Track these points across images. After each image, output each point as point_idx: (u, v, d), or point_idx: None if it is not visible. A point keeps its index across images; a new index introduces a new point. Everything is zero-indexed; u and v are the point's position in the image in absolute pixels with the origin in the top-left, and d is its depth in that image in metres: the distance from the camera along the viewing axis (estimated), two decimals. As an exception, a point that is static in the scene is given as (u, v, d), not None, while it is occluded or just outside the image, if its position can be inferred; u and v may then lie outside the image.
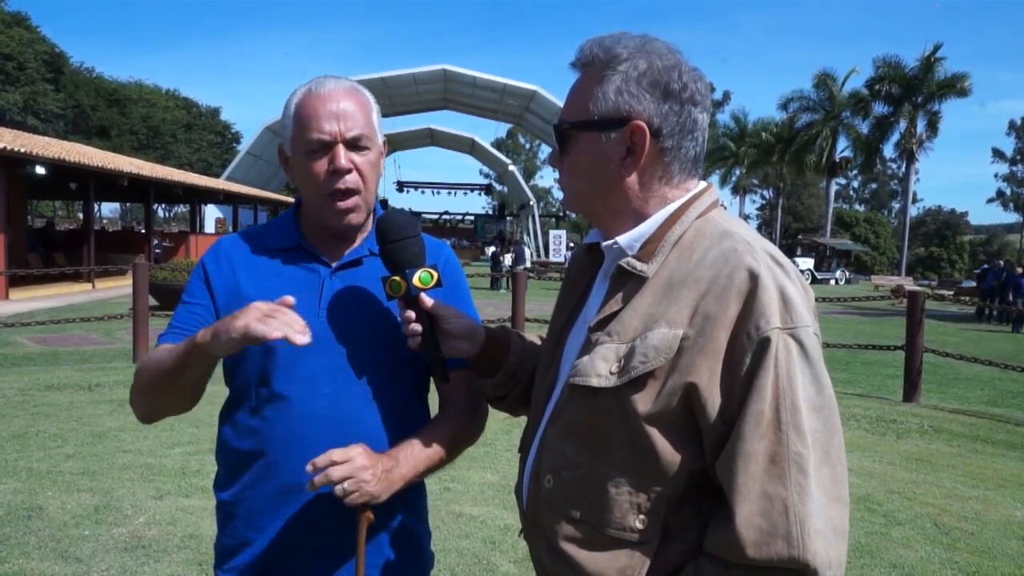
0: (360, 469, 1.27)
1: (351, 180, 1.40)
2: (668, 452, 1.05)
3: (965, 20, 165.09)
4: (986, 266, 24.67)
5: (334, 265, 1.47)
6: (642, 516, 1.07)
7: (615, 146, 1.13)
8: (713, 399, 1.02)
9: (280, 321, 1.20)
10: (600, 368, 1.08)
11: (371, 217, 1.51)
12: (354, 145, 1.41)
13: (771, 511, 0.97)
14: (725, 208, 1.23)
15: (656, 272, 1.11)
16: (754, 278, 1.03)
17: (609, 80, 1.12)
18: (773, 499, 0.97)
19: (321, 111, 1.39)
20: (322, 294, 1.44)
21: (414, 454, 1.39)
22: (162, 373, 1.36)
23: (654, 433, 1.05)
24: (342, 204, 1.41)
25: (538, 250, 43.71)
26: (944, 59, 39.40)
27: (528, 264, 27.88)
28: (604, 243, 1.19)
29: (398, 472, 1.34)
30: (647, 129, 1.11)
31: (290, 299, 1.26)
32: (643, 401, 1.05)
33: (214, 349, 1.25)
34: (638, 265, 1.12)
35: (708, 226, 1.13)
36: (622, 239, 1.15)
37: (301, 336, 1.20)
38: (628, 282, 1.13)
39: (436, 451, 1.42)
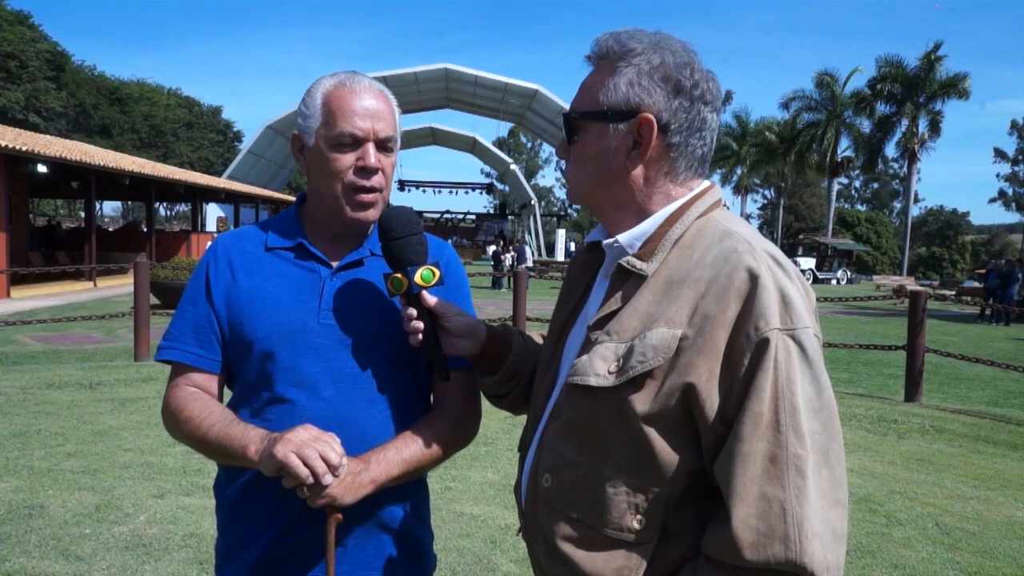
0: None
1: (377, 180, 1.42)
2: (666, 453, 1.05)
3: (966, 18, 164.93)
4: (989, 266, 24.62)
5: (335, 265, 1.46)
6: (640, 516, 1.07)
7: (622, 138, 1.13)
8: (711, 400, 1.02)
9: (308, 454, 1.23)
10: (599, 367, 1.08)
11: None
12: (383, 146, 1.42)
13: (769, 513, 0.96)
14: (728, 208, 1.23)
15: (656, 271, 1.11)
16: (754, 278, 1.02)
17: (621, 72, 1.12)
18: (771, 501, 0.96)
19: (355, 106, 1.39)
20: (322, 295, 1.43)
21: (387, 458, 1.35)
22: (204, 446, 1.40)
23: (652, 433, 1.04)
24: (364, 198, 1.41)
25: (539, 249, 43.70)
26: (945, 58, 39.42)
27: (530, 263, 27.85)
28: (605, 241, 1.19)
29: (367, 475, 1.32)
30: (655, 123, 1.11)
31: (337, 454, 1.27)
32: (641, 401, 1.04)
33: (261, 467, 1.29)
34: (638, 264, 1.12)
35: (709, 225, 1.13)
36: (623, 237, 1.15)
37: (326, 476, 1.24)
38: (628, 281, 1.13)
39: (415, 455, 1.39)
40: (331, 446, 1.25)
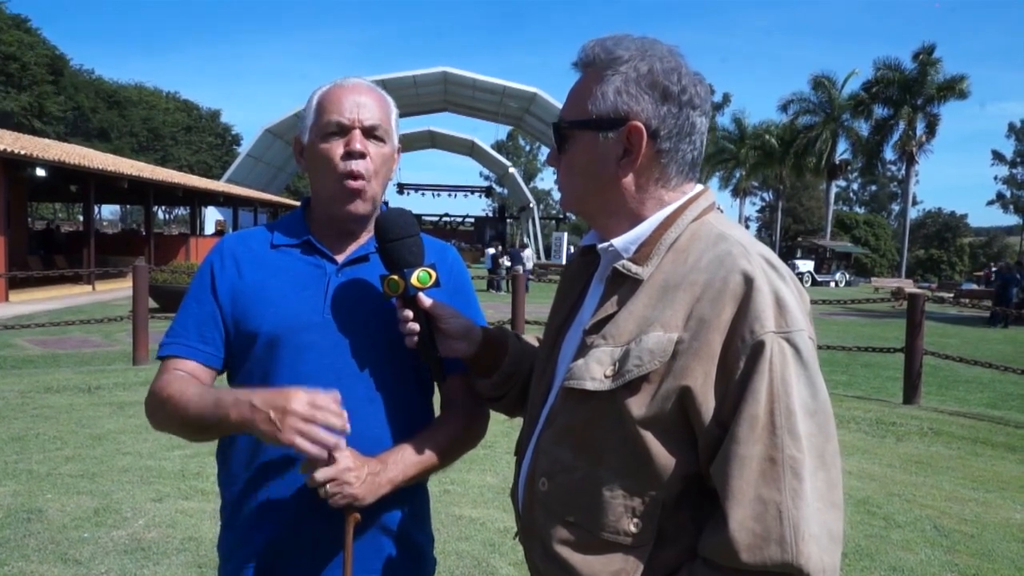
0: (344, 471, 1.27)
1: (363, 165, 1.42)
2: (662, 456, 1.05)
3: (966, 20, 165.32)
4: (994, 268, 24.62)
5: (340, 261, 1.47)
6: (636, 520, 1.07)
7: (612, 146, 1.13)
8: (707, 403, 1.02)
9: (316, 433, 1.22)
10: (595, 371, 1.08)
11: (377, 213, 1.51)
12: (370, 133, 1.44)
13: (765, 515, 0.97)
14: (721, 211, 1.23)
15: (651, 275, 1.11)
16: (749, 281, 1.03)
17: (609, 80, 1.12)
18: (767, 503, 0.97)
19: (343, 98, 1.43)
20: (328, 290, 1.44)
21: (404, 458, 1.38)
22: (184, 423, 1.37)
23: (648, 437, 1.05)
24: (351, 185, 1.42)
25: (538, 252, 43.70)
26: (939, 60, 39.50)
27: (530, 266, 27.79)
28: (600, 245, 1.19)
29: (385, 476, 1.34)
30: (644, 130, 1.11)
31: (337, 397, 1.26)
32: (637, 405, 1.05)
33: (251, 432, 1.28)
34: (633, 268, 1.12)
35: (703, 229, 1.13)
36: (618, 242, 1.15)
37: (338, 441, 1.23)
38: (623, 285, 1.13)
39: (430, 455, 1.41)
40: (330, 410, 1.23)
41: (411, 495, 1.49)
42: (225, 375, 1.52)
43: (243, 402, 1.26)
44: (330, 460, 1.25)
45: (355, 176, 1.41)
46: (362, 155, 1.41)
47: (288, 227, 1.51)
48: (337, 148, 1.41)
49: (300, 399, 1.22)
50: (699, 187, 1.20)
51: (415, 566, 1.52)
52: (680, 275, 1.08)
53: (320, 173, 1.43)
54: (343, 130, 1.41)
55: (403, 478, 1.37)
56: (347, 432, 1.24)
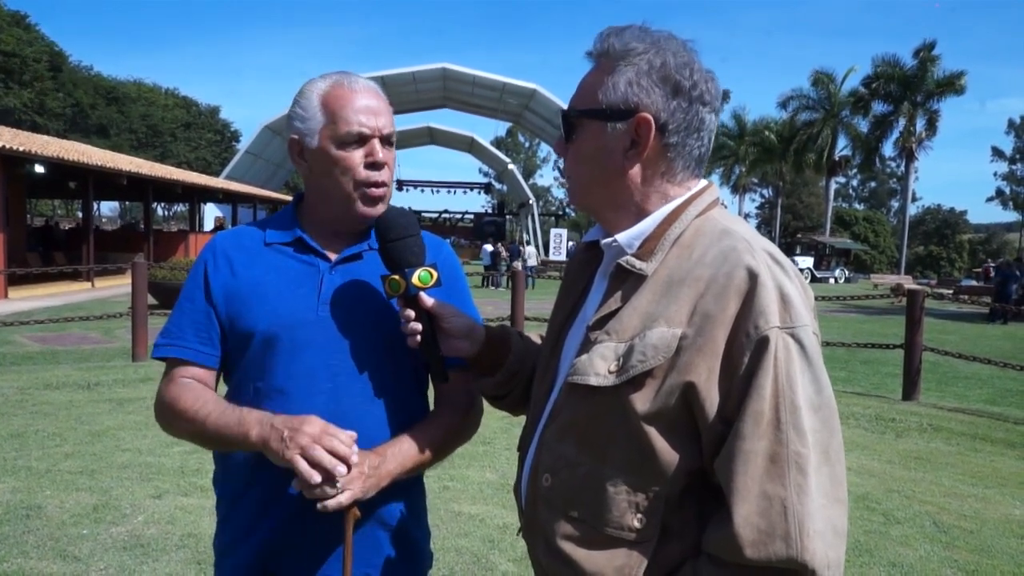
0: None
1: (385, 175, 1.45)
2: (666, 451, 1.05)
3: (965, 17, 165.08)
4: (993, 264, 24.61)
5: (334, 259, 1.47)
6: (640, 515, 1.07)
7: (620, 137, 1.13)
8: (712, 398, 1.02)
9: (318, 454, 1.24)
10: (599, 367, 1.08)
11: None
12: (387, 142, 1.45)
13: (770, 511, 0.96)
14: (725, 207, 1.23)
15: (655, 270, 1.11)
16: (753, 277, 1.02)
17: (621, 71, 1.12)
18: (772, 499, 0.97)
19: (359, 104, 1.42)
20: (321, 288, 1.44)
21: (402, 451, 1.38)
22: (202, 436, 1.39)
23: (652, 432, 1.05)
24: (374, 192, 1.43)
25: (538, 248, 43.69)
26: (939, 57, 39.51)
27: (533, 262, 27.69)
28: (604, 241, 1.19)
29: (385, 469, 1.34)
30: (653, 122, 1.11)
31: (353, 435, 1.30)
32: (642, 400, 1.04)
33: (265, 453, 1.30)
34: (637, 263, 1.12)
35: (708, 224, 1.13)
36: (621, 237, 1.15)
37: (333, 491, 1.25)
38: (627, 280, 1.13)
39: (426, 449, 1.42)
40: (338, 438, 1.26)
41: (408, 490, 1.49)
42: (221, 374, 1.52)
43: (266, 421, 1.30)
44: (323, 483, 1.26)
45: (378, 185, 1.44)
46: (384, 164, 1.43)
47: (280, 225, 1.52)
48: (357, 157, 1.42)
49: (315, 423, 1.27)
50: (703, 183, 1.20)
51: (412, 561, 1.52)
52: (684, 271, 1.08)
53: (338, 180, 1.42)
54: (363, 140, 1.42)
55: (400, 471, 1.38)
56: (351, 462, 1.27)
